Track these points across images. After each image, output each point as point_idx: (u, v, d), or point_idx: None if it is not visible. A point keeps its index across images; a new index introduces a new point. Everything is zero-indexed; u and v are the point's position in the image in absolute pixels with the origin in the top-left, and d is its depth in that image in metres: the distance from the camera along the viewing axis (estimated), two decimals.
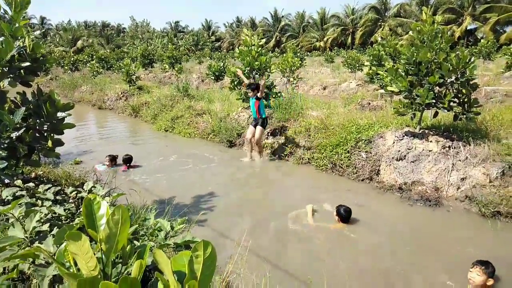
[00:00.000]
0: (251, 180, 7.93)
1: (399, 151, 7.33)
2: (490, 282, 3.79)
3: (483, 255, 4.27)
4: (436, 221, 5.83)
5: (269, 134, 10.01)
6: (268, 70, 11.16)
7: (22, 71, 3.90)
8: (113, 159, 8.81)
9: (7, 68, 3.70)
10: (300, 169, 8.53)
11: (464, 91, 6.81)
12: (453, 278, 4.20)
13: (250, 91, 8.95)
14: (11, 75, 3.79)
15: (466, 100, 6.88)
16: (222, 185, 7.55)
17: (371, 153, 7.75)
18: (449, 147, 6.97)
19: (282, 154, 9.27)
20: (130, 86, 18.90)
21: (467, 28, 48.08)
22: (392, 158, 7.35)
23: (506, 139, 6.91)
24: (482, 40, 31.58)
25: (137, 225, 2.72)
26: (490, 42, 29.62)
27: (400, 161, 7.25)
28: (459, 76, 6.70)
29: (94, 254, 1.13)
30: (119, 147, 10.48)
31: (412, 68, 7.10)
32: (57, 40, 68.15)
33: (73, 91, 23.71)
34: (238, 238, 5.02)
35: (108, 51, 42.84)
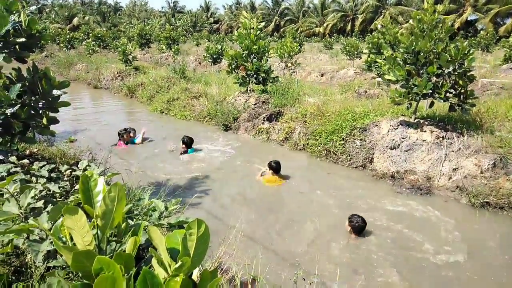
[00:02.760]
0: (245, 164, 7.96)
1: (393, 139, 7.38)
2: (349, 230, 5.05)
3: None
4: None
5: (265, 119, 10.01)
6: (266, 54, 11.07)
7: (17, 46, 3.85)
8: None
9: (1, 43, 3.65)
10: (295, 155, 8.56)
11: (461, 82, 6.82)
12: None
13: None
14: (6, 51, 3.73)
15: (462, 91, 6.90)
16: (216, 169, 7.59)
17: (365, 141, 7.80)
18: (443, 137, 7.03)
19: (278, 140, 9.30)
20: (126, 66, 18.68)
21: (467, 19, 47.75)
22: (386, 146, 7.40)
23: (499, 132, 6.98)
24: (481, 32, 31.44)
25: (132, 205, 2.74)
26: (490, 34, 29.51)
27: (394, 149, 7.31)
28: (456, 67, 6.70)
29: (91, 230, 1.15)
30: (114, 127, 10.43)
31: (411, 57, 7.08)
32: (53, 16, 66.82)
33: (68, 69, 23.40)
34: (232, 220, 5.08)
35: (104, 29, 42.07)
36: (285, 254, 4.49)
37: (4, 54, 3.71)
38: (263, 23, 11.18)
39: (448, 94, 7.00)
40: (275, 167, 6.90)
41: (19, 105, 3.72)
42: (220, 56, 19.61)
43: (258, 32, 10.85)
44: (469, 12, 46.86)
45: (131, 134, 9.20)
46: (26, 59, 4.01)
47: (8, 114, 3.59)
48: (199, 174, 7.14)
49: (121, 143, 8.86)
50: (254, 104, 10.71)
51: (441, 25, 6.90)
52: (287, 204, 6.05)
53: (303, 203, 6.03)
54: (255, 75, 10.92)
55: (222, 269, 2.99)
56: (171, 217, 2.64)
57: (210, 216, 5.41)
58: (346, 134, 8.04)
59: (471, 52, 6.68)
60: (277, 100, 10.35)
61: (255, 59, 10.96)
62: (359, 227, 4.96)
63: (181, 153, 8.30)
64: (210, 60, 19.86)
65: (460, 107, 6.96)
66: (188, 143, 8.37)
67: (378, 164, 7.42)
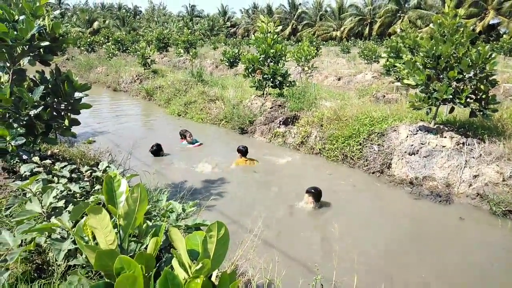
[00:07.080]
0: (262, 168, 7.96)
1: (412, 145, 7.26)
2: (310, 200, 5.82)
3: None
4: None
5: (281, 123, 9.99)
6: (283, 58, 11.08)
7: (41, 50, 3.96)
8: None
9: (27, 47, 3.76)
10: (311, 159, 8.51)
11: (482, 87, 6.67)
12: None
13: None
14: (31, 54, 3.85)
15: (484, 96, 6.74)
16: (234, 172, 7.61)
17: (383, 146, 7.70)
18: (463, 143, 6.88)
19: (294, 144, 9.27)
20: (145, 69, 18.99)
21: (490, 23, 46.65)
22: (405, 152, 7.29)
23: None
24: (504, 36, 30.62)
25: (150, 206, 2.77)
26: None
27: (413, 155, 7.19)
28: (478, 71, 6.56)
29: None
30: (132, 130, 10.61)
31: (431, 62, 6.97)
32: (74, 20, 68.50)
33: (88, 72, 23.93)
34: (248, 223, 5.08)
35: (123, 33, 42.90)
36: (303, 259, 4.46)
37: (29, 57, 3.83)
38: (280, 27, 11.20)
39: (468, 100, 6.85)
40: (243, 150, 8.00)
41: (42, 106, 3.82)
42: (237, 60, 19.74)
43: (275, 36, 10.87)
44: (492, 15, 45.81)
45: (188, 137, 9.47)
46: (49, 62, 4.12)
47: (32, 115, 3.70)
48: (214, 177, 7.17)
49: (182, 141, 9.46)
50: (270, 108, 10.71)
51: (462, 29, 6.78)
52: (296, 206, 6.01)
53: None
54: (271, 79, 10.94)
55: (239, 272, 2.99)
56: (188, 218, 2.66)
57: (226, 218, 5.42)
58: (364, 139, 7.96)
59: (493, 56, 6.53)
60: (294, 104, 10.33)
61: (272, 63, 10.98)
62: (317, 194, 5.77)
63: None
64: (227, 64, 20.01)
65: (481, 113, 6.80)
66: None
67: (396, 170, 7.30)
